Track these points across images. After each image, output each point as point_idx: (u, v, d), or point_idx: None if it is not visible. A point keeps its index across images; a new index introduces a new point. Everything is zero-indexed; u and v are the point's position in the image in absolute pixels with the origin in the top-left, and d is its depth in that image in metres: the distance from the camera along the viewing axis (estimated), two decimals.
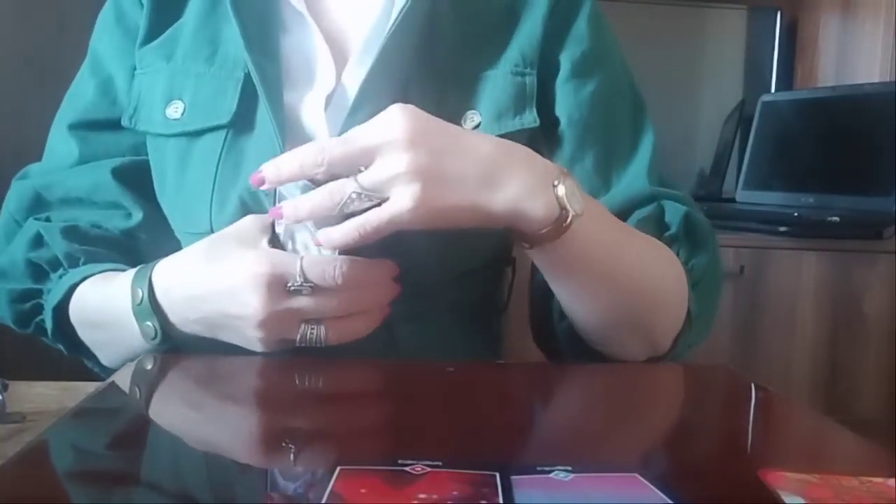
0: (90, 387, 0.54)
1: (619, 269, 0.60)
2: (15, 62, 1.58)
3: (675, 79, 1.92)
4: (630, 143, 0.71)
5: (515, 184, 0.54)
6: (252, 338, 0.56)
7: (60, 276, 0.66)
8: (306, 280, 0.55)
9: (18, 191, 0.72)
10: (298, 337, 0.56)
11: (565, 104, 0.70)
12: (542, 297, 0.69)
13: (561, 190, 0.55)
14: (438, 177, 0.52)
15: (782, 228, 1.50)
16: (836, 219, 1.47)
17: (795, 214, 1.55)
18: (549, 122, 0.69)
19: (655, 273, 0.63)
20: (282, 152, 0.62)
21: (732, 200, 1.82)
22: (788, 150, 1.77)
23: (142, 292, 0.59)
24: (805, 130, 1.76)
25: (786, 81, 1.97)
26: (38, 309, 0.68)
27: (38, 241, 0.68)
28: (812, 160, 1.71)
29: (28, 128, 1.52)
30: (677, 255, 0.66)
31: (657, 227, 0.67)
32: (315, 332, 0.56)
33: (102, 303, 0.63)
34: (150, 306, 0.59)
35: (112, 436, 0.44)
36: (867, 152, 1.61)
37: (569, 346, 0.68)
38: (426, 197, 0.52)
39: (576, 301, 0.63)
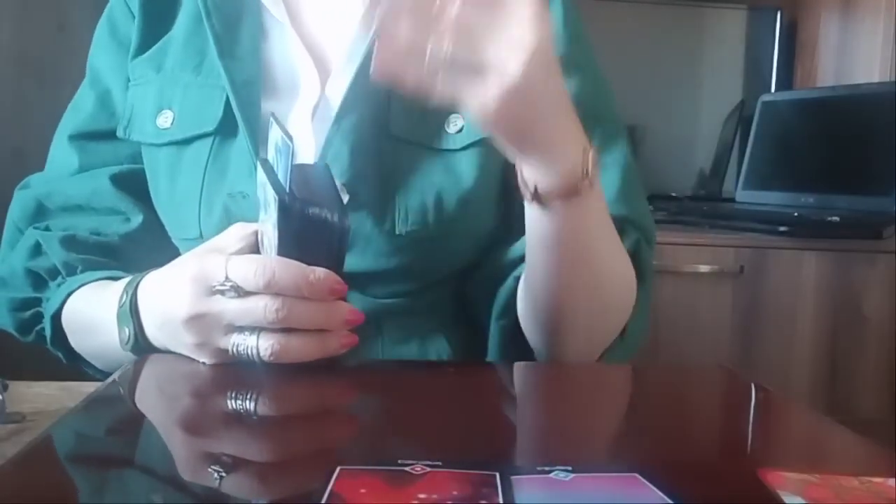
0: (90, 387, 0.53)
1: (599, 252, 0.61)
2: (14, 63, 1.57)
3: (675, 79, 1.92)
4: (605, 163, 0.70)
5: (568, 127, 0.54)
6: (187, 343, 0.53)
7: (59, 285, 0.67)
8: (228, 279, 0.51)
9: (21, 200, 0.73)
10: (230, 346, 0.52)
11: None
12: (488, 293, 0.70)
13: (590, 154, 0.54)
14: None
15: (782, 228, 1.49)
16: (836, 219, 1.47)
17: (795, 214, 1.55)
18: None
19: (621, 270, 0.65)
20: (254, 159, 0.63)
21: (732, 200, 1.82)
22: (788, 150, 1.77)
23: (126, 296, 0.58)
24: (805, 130, 1.76)
25: (786, 81, 1.97)
26: (39, 317, 0.69)
27: (36, 251, 0.69)
28: (812, 160, 1.71)
29: (27, 128, 1.53)
30: None
31: None
32: (246, 342, 0.51)
33: (93, 309, 0.63)
34: (130, 311, 0.57)
35: (112, 436, 0.44)
36: (867, 152, 1.61)
37: (498, 345, 0.69)
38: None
39: (548, 278, 0.62)
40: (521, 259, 0.65)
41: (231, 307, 0.51)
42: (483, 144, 0.67)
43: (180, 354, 0.55)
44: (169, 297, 0.54)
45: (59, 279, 0.67)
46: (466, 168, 0.67)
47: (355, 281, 0.64)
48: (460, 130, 0.67)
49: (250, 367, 0.53)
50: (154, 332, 0.57)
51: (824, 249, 1.49)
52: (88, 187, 0.71)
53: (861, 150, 1.63)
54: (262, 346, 0.51)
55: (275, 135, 0.54)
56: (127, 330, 0.58)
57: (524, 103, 0.48)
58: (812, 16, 1.93)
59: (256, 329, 0.51)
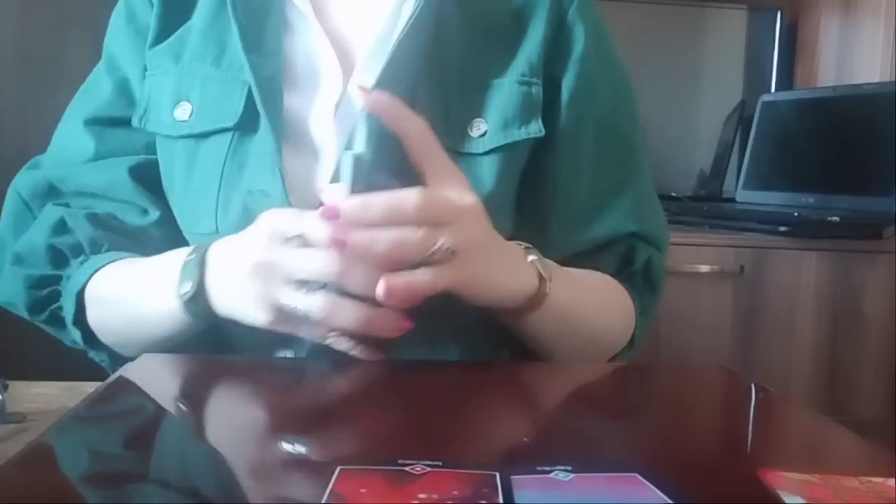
0: (90, 386, 0.54)
1: (585, 324, 0.67)
2: (15, 62, 1.58)
3: (675, 79, 1.92)
4: (621, 181, 0.73)
5: (505, 264, 0.60)
6: (248, 294, 0.55)
7: (82, 262, 0.66)
8: (298, 229, 0.54)
9: (30, 179, 0.72)
10: (289, 301, 0.54)
11: (565, 125, 0.70)
12: None
13: (532, 259, 0.61)
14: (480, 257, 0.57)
15: (782, 228, 1.49)
16: (836, 219, 1.47)
17: (795, 214, 1.55)
18: (552, 133, 0.70)
19: (613, 320, 0.71)
20: (277, 155, 0.63)
21: (732, 200, 1.82)
22: (788, 150, 1.77)
23: (196, 254, 0.60)
24: (805, 130, 1.76)
25: (786, 81, 1.97)
26: (55, 296, 0.68)
27: (61, 227, 0.68)
28: (812, 160, 1.71)
29: (28, 127, 1.53)
30: (633, 288, 0.73)
31: (622, 262, 0.73)
32: (303, 300, 0.53)
33: (125, 282, 0.64)
34: (198, 262, 0.59)
35: (113, 435, 0.44)
36: (867, 152, 1.61)
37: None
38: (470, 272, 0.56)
39: (545, 350, 0.67)
40: None
41: (293, 256, 0.54)
42: (505, 150, 0.67)
43: (180, 354, 0.55)
44: (241, 245, 0.57)
45: (83, 257, 0.67)
46: (488, 172, 0.66)
47: None
48: (483, 134, 0.67)
49: (249, 367, 0.53)
50: (218, 287, 0.58)
51: (824, 249, 1.49)
52: (105, 178, 0.70)
53: (861, 150, 1.63)
54: (316, 304, 0.53)
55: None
56: (190, 283, 0.58)
57: (469, 271, 0.56)
58: (812, 16, 1.93)
59: (315, 288, 0.54)
